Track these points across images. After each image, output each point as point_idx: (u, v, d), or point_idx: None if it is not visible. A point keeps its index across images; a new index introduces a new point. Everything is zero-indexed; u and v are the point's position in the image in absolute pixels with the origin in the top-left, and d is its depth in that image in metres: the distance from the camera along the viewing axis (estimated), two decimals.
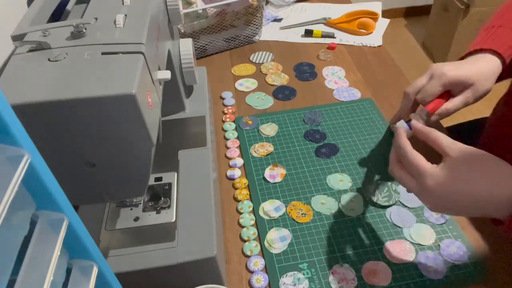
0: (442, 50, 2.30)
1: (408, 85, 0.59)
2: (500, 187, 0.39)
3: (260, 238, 0.56)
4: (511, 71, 0.59)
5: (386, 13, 2.60)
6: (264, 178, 0.65)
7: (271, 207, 0.60)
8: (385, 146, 0.69)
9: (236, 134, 0.73)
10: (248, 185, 0.64)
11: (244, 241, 0.56)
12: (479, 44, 0.57)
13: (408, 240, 0.55)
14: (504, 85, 0.66)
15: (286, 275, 0.52)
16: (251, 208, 0.60)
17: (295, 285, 0.51)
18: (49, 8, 0.47)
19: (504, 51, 0.56)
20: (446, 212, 0.45)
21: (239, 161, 0.68)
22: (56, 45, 0.38)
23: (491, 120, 0.73)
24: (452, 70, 0.54)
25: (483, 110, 0.75)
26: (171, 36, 0.60)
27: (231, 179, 0.65)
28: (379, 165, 0.66)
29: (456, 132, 0.79)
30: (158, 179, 0.54)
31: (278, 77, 0.86)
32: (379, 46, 0.96)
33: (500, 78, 0.58)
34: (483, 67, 0.55)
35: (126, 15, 0.42)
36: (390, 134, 0.71)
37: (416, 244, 0.54)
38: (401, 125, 0.50)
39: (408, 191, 0.46)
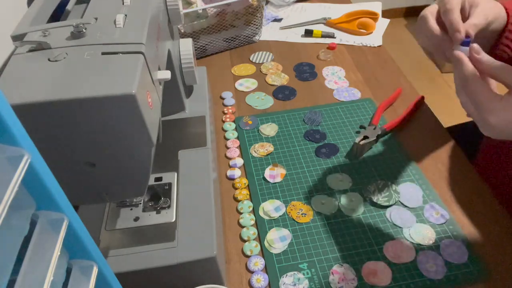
0: None
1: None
2: None
3: (260, 238, 0.56)
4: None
5: (386, 13, 2.60)
6: (264, 178, 0.65)
7: (271, 207, 0.60)
8: (385, 146, 0.69)
9: (236, 134, 0.73)
10: (248, 185, 0.64)
11: (244, 241, 0.56)
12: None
13: (408, 240, 0.55)
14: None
15: (286, 275, 0.52)
16: (251, 208, 0.60)
17: (295, 285, 0.51)
18: (49, 8, 0.47)
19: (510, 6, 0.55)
20: (502, 138, 0.45)
21: (239, 161, 0.68)
22: (56, 45, 0.38)
23: None
24: None
25: None
26: (171, 36, 0.60)
27: (231, 179, 0.65)
28: (379, 165, 0.66)
29: (458, 132, 0.79)
30: (158, 179, 0.54)
31: (278, 77, 0.87)
32: (379, 46, 0.96)
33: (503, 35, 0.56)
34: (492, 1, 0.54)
35: (126, 15, 0.42)
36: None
37: (416, 244, 0.54)
38: (460, 50, 0.47)
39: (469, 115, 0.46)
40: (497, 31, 0.55)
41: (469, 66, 0.45)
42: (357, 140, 0.66)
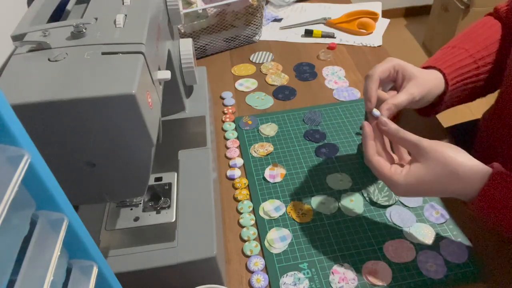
0: None
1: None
2: (459, 191, 0.45)
3: (260, 238, 0.56)
4: (454, 100, 0.61)
5: (386, 13, 2.59)
6: (264, 178, 0.65)
7: (271, 207, 0.60)
8: None
9: (236, 134, 0.73)
10: (248, 185, 0.64)
11: (244, 241, 0.56)
12: (431, 61, 0.61)
13: (408, 240, 0.55)
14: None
15: (287, 275, 0.52)
16: (251, 208, 0.60)
17: (295, 285, 0.51)
18: (49, 8, 0.47)
19: (448, 71, 0.58)
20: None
21: (239, 161, 0.68)
22: (56, 45, 0.38)
23: (482, 121, 0.73)
24: (401, 62, 0.57)
25: (483, 110, 0.75)
26: (171, 36, 0.60)
27: (231, 179, 0.65)
28: None
29: (455, 132, 0.79)
30: (158, 179, 0.54)
31: (278, 77, 0.87)
32: (379, 46, 0.96)
33: (442, 102, 0.59)
34: (428, 74, 0.58)
35: (126, 15, 0.42)
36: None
37: (416, 243, 0.54)
38: (367, 124, 0.51)
39: None
40: (437, 94, 0.58)
41: (370, 144, 0.49)
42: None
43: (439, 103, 0.60)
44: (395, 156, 0.51)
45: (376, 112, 0.51)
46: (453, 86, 0.58)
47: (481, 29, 0.64)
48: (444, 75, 0.58)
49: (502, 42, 0.62)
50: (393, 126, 0.49)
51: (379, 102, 0.53)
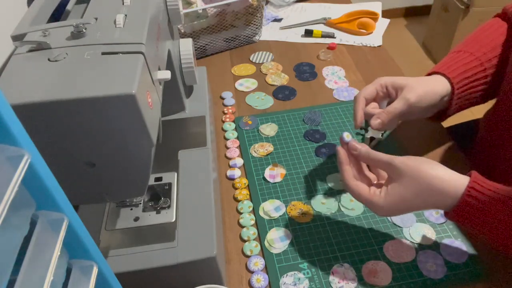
0: (442, 50, 2.30)
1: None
2: (439, 203, 0.45)
3: (260, 238, 0.56)
4: (462, 104, 0.61)
5: (386, 13, 2.59)
6: (264, 178, 0.65)
7: (271, 207, 0.60)
8: (385, 146, 0.69)
9: (236, 134, 0.73)
10: (248, 185, 0.64)
11: (244, 241, 0.56)
12: (436, 67, 0.61)
13: (408, 240, 0.55)
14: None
15: (287, 275, 0.52)
16: (251, 208, 0.60)
17: (295, 285, 0.51)
18: (49, 8, 0.47)
19: (453, 75, 0.58)
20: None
21: (239, 161, 0.68)
22: (56, 45, 0.38)
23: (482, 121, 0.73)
24: (390, 77, 0.58)
25: (483, 109, 0.75)
26: (171, 36, 0.60)
27: (231, 179, 0.65)
28: None
29: (455, 132, 0.79)
30: (158, 179, 0.54)
31: (278, 77, 0.86)
32: (379, 46, 0.96)
33: (451, 107, 0.60)
34: (425, 79, 0.59)
35: (126, 15, 0.42)
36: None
37: (416, 243, 0.54)
38: (344, 137, 0.51)
39: None
40: (441, 97, 0.58)
41: (346, 170, 0.50)
42: (367, 142, 0.65)
43: (448, 107, 0.60)
44: (372, 176, 0.51)
45: (346, 138, 0.51)
46: (460, 89, 0.58)
47: (487, 31, 0.64)
48: (449, 79, 0.58)
49: (510, 43, 0.62)
50: (363, 149, 0.49)
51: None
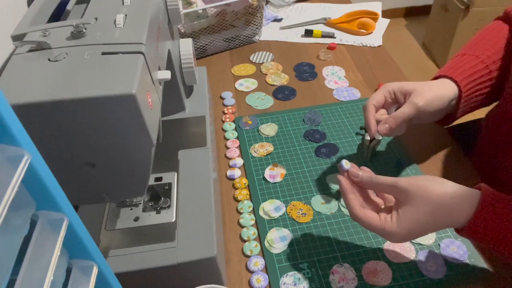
0: (442, 50, 2.30)
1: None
2: (452, 221, 0.43)
3: (260, 238, 0.56)
4: (469, 107, 0.61)
5: (386, 13, 2.60)
6: (264, 178, 0.65)
7: (271, 207, 0.60)
8: (385, 146, 0.69)
9: (236, 134, 0.73)
10: (248, 185, 0.64)
11: (244, 241, 0.56)
12: (442, 71, 0.61)
13: None
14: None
15: (287, 275, 0.52)
16: (251, 208, 0.60)
17: (295, 284, 0.51)
18: (49, 8, 0.47)
19: (460, 78, 0.58)
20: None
21: (239, 161, 0.68)
22: (56, 45, 0.38)
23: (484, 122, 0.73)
24: (398, 83, 0.58)
25: (483, 110, 0.75)
26: (171, 36, 0.60)
27: (231, 179, 0.65)
28: (379, 165, 0.66)
29: (457, 133, 0.79)
30: (158, 179, 0.54)
31: (278, 77, 0.86)
32: (379, 46, 0.96)
33: (458, 109, 0.60)
34: (432, 83, 0.59)
35: (126, 15, 0.42)
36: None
37: (416, 243, 0.54)
38: (343, 165, 0.49)
39: None
40: (449, 100, 0.58)
41: (351, 199, 0.47)
42: (366, 142, 0.66)
43: (455, 111, 0.60)
44: (379, 200, 0.49)
45: (345, 165, 0.49)
46: (467, 92, 0.58)
47: (490, 34, 0.64)
48: (456, 83, 0.58)
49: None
50: (365, 175, 0.47)
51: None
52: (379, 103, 0.57)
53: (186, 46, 0.64)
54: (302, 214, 0.59)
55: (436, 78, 0.61)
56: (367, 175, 0.47)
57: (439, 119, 0.62)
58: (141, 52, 0.38)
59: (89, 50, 0.37)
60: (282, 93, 0.82)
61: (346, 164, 0.49)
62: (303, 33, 1.00)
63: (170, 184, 0.53)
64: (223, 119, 0.77)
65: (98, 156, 0.37)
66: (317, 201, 0.61)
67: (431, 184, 0.44)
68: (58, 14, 0.48)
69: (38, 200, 0.23)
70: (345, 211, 0.59)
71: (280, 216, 0.59)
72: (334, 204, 0.60)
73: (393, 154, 0.68)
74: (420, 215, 0.43)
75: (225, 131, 0.74)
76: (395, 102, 0.58)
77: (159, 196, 0.52)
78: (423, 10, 2.77)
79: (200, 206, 0.50)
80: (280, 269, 0.53)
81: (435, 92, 0.56)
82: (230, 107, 0.79)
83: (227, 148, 0.71)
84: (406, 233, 0.44)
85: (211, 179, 0.54)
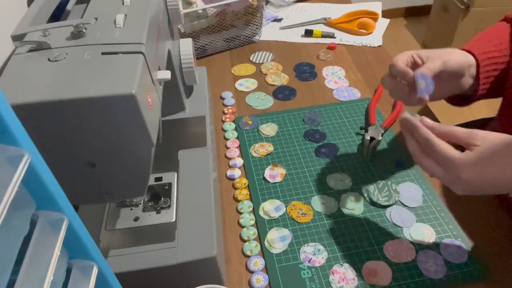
0: None
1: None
2: None
3: (260, 238, 0.56)
4: (488, 84, 0.60)
5: (386, 13, 2.59)
6: (264, 178, 0.65)
7: (271, 207, 0.60)
8: (385, 146, 0.69)
9: (236, 134, 0.73)
10: (248, 185, 0.64)
11: (244, 241, 0.56)
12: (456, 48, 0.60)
13: (408, 240, 0.55)
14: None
15: (308, 245, 0.54)
16: (251, 208, 0.60)
17: (314, 254, 0.53)
18: (49, 8, 0.47)
19: (477, 51, 0.57)
20: (474, 194, 0.45)
21: (239, 161, 0.68)
22: (56, 45, 0.38)
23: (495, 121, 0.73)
24: (414, 50, 0.56)
25: (483, 110, 0.75)
26: (171, 36, 0.60)
27: (231, 179, 0.65)
28: (379, 165, 0.66)
29: None
30: (158, 179, 0.54)
31: (278, 77, 0.87)
32: (379, 46, 0.96)
33: (480, 82, 0.58)
34: (450, 49, 0.57)
35: (126, 15, 0.42)
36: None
37: (416, 243, 0.54)
38: (410, 115, 0.48)
39: (434, 177, 0.46)
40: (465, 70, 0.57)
41: (427, 130, 0.46)
42: (366, 142, 0.66)
43: (477, 84, 0.58)
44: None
45: (413, 116, 0.48)
46: (484, 63, 0.57)
47: (494, 31, 0.63)
48: (473, 55, 0.57)
49: None
50: (436, 123, 0.46)
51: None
52: (404, 63, 0.55)
53: (186, 46, 0.64)
54: (302, 214, 0.59)
55: None
56: (439, 123, 0.46)
57: (457, 90, 0.59)
58: (141, 52, 0.38)
59: (89, 50, 0.37)
60: (282, 93, 0.82)
61: (412, 115, 0.48)
62: (303, 33, 1.00)
63: (170, 184, 0.53)
64: (223, 119, 0.77)
65: (98, 156, 0.37)
66: (317, 201, 0.61)
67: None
68: (58, 14, 0.48)
69: (38, 200, 0.23)
70: (345, 211, 0.59)
71: (280, 216, 0.59)
72: (334, 204, 0.60)
73: (393, 154, 0.68)
74: (494, 149, 0.41)
75: (225, 131, 0.74)
76: (413, 67, 0.56)
77: (159, 196, 0.52)
78: (423, 10, 2.78)
79: (200, 206, 0.50)
80: (280, 269, 0.53)
81: (455, 52, 0.56)
82: (230, 107, 0.79)
83: (227, 148, 0.71)
84: (479, 170, 0.42)
85: (211, 179, 0.54)
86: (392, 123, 0.72)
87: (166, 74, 0.45)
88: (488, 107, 0.76)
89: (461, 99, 0.62)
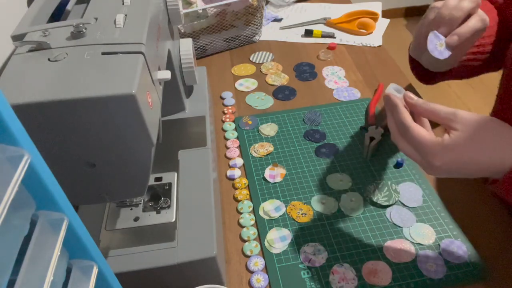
0: None
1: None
2: (502, 156, 0.41)
3: (260, 238, 0.56)
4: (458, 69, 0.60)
5: (386, 13, 2.59)
6: (264, 178, 0.65)
7: (271, 207, 0.60)
8: (385, 146, 0.69)
9: (236, 134, 0.73)
10: (248, 185, 0.64)
11: (244, 241, 0.56)
12: None
13: (408, 240, 0.55)
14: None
15: (308, 245, 0.54)
16: (251, 208, 0.60)
17: (314, 254, 0.53)
18: (49, 8, 0.47)
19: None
20: (450, 177, 0.45)
21: (239, 161, 0.68)
22: (56, 45, 0.38)
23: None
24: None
25: (481, 107, 0.75)
26: (171, 36, 0.60)
27: (231, 179, 0.65)
28: (379, 165, 0.66)
29: None
30: (158, 179, 0.54)
31: (278, 77, 0.87)
32: (379, 46, 0.96)
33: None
34: None
35: (126, 15, 0.42)
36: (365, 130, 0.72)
37: (416, 243, 0.54)
38: (392, 91, 0.47)
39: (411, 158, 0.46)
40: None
41: (405, 112, 0.45)
42: (366, 142, 0.66)
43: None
44: None
45: (392, 92, 0.46)
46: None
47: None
48: None
49: (499, 26, 0.63)
50: (420, 100, 0.45)
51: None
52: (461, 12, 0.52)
53: (186, 46, 0.64)
54: (302, 214, 0.59)
55: None
56: (423, 100, 0.45)
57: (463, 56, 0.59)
58: (141, 52, 0.38)
59: (89, 50, 0.37)
60: (282, 93, 0.82)
61: (397, 90, 0.47)
62: (303, 33, 1.00)
63: (170, 184, 0.53)
64: (223, 119, 0.77)
65: (98, 156, 0.37)
66: (317, 201, 0.61)
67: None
68: (58, 14, 0.48)
69: (38, 200, 0.23)
70: (345, 211, 0.59)
71: (280, 216, 0.59)
72: (334, 204, 0.60)
73: (393, 154, 0.68)
74: (472, 134, 0.41)
75: (225, 131, 0.74)
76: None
77: (159, 196, 0.52)
78: (423, 10, 2.77)
79: (200, 206, 0.50)
80: (280, 269, 0.53)
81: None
82: (230, 107, 0.79)
83: (227, 148, 0.71)
84: (453, 157, 0.41)
85: (211, 179, 0.54)
86: None
87: (166, 74, 0.45)
88: (487, 104, 0.76)
89: (429, 77, 0.61)
